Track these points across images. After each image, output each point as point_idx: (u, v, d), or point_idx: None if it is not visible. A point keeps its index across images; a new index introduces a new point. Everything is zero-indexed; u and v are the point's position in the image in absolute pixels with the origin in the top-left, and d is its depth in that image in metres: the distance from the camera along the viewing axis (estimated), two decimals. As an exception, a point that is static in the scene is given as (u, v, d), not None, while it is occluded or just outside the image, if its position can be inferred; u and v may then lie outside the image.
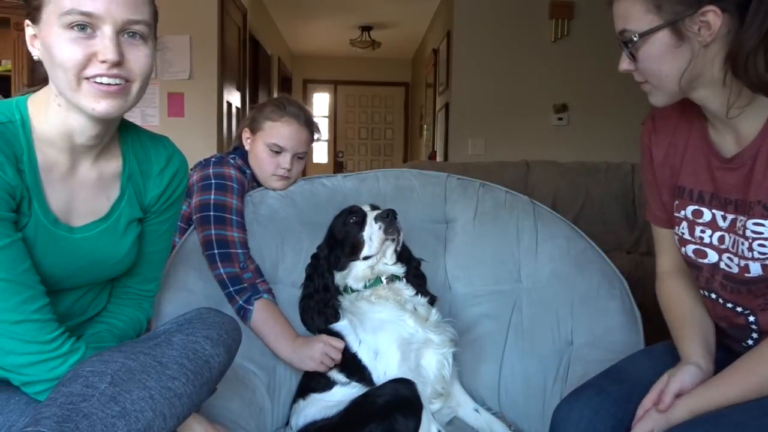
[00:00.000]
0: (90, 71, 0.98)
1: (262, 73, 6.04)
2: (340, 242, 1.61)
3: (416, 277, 1.65)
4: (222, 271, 1.54)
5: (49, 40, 0.98)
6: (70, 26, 0.97)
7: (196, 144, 3.99)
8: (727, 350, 1.18)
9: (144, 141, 1.19)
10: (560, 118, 4.81)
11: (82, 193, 1.10)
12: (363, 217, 1.60)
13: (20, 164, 1.00)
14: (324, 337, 1.55)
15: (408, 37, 7.56)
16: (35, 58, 1.03)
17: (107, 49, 0.97)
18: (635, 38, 1.03)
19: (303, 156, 1.82)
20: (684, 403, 1.04)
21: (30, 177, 1.01)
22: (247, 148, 1.83)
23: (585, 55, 4.59)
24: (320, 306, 1.58)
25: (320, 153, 9.37)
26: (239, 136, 1.89)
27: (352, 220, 1.60)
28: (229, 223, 1.59)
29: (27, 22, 1.02)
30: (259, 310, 1.54)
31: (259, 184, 1.84)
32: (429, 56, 6.53)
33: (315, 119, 1.87)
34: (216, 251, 1.55)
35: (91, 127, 1.05)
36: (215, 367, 1.07)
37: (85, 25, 0.97)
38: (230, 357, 1.14)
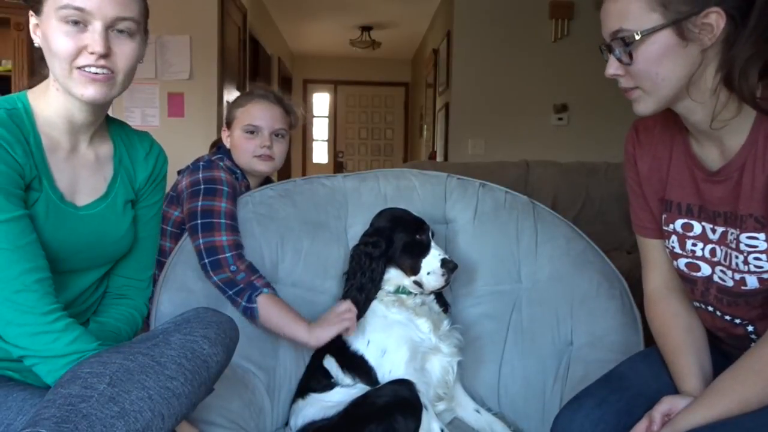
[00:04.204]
0: (80, 61, 1.10)
1: (262, 73, 6.03)
2: (397, 250, 1.58)
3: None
4: (215, 279, 1.53)
5: (48, 32, 1.10)
6: (65, 20, 1.08)
7: (195, 144, 3.98)
8: (724, 356, 1.16)
9: (127, 131, 1.34)
10: (560, 118, 4.81)
11: (84, 173, 1.21)
12: (428, 242, 1.58)
13: (29, 146, 1.10)
14: (331, 310, 1.53)
15: (408, 37, 7.56)
16: (36, 44, 1.16)
17: (96, 42, 1.09)
18: (637, 36, 0.98)
19: (282, 134, 1.83)
20: (667, 429, 1.02)
21: (38, 157, 1.11)
22: (228, 146, 1.84)
23: (585, 55, 4.56)
24: (362, 304, 1.55)
25: (320, 153, 9.37)
26: (221, 138, 1.90)
27: (417, 237, 1.58)
28: (217, 228, 1.56)
29: (30, 12, 1.14)
30: (263, 305, 1.52)
31: (248, 186, 1.83)
32: (429, 56, 6.53)
33: (287, 98, 1.87)
34: (206, 260, 1.54)
35: (86, 109, 1.17)
36: (213, 367, 1.08)
37: (78, 20, 1.08)
38: (228, 356, 1.15)
